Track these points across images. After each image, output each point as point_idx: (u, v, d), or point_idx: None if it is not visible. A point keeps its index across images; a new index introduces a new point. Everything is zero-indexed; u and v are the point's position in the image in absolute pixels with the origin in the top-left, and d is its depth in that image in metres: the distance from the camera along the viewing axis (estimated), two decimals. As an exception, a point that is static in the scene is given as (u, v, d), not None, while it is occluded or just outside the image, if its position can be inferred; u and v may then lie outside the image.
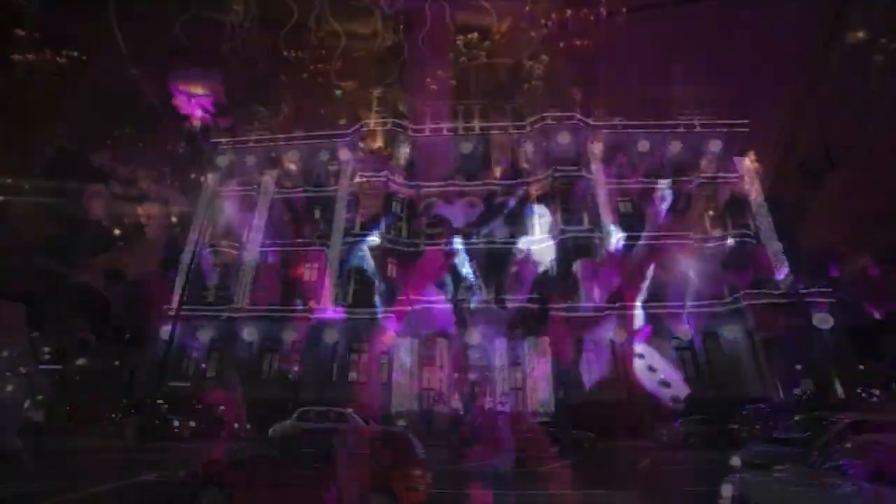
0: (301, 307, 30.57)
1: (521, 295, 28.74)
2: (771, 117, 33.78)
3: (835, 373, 24.09)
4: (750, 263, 29.88)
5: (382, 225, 32.29)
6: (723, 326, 27.99)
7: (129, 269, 40.35)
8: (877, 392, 22.60)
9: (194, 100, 30.87)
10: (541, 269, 30.91)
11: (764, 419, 17.15)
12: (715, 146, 34.58)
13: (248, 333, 29.88)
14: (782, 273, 28.84)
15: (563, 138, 34.29)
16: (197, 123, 32.69)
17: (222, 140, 38.59)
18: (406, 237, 33.11)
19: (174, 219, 36.89)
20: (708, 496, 6.50)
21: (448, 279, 29.95)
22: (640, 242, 30.45)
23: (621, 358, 27.48)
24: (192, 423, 21.64)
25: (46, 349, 35.17)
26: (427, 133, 37.35)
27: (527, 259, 31.30)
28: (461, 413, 25.13)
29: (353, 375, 29.01)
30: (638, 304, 28.30)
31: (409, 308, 27.40)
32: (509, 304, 27.47)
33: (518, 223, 33.47)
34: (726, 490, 5.38)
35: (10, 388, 36.76)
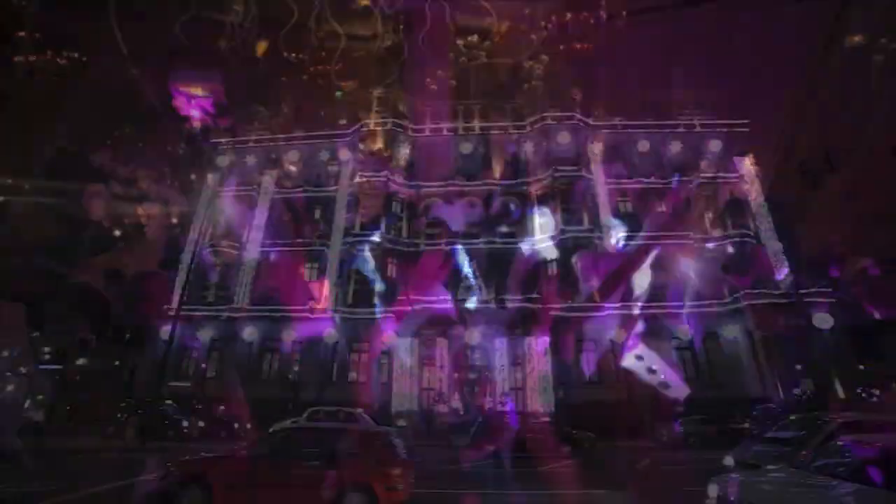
0: (301, 307, 30.56)
1: (520, 295, 28.74)
2: (771, 119, 33.84)
3: (835, 373, 24.06)
4: (750, 263, 29.88)
5: (382, 225, 32.31)
6: (723, 326, 28.00)
7: (129, 269, 40.39)
8: (877, 392, 22.58)
9: (194, 100, 30.88)
10: (541, 268, 30.94)
11: (773, 419, 17.13)
12: (715, 146, 34.61)
13: (248, 333, 29.89)
14: (782, 273, 28.85)
15: (563, 138, 34.31)
16: (197, 124, 32.70)
17: (222, 140, 38.64)
18: (406, 237, 33.11)
19: (174, 219, 36.92)
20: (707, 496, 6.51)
21: (448, 279, 29.94)
22: (640, 242, 30.46)
23: (621, 358, 27.48)
24: (201, 424, 21.60)
25: (46, 349, 35.18)
26: (427, 133, 37.37)
27: (527, 259, 31.31)
28: (461, 413, 25.14)
29: (353, 375, 29.03)
30: (638, 304, 28.30)
31: (409, 308, 27.40)
32: (509, 304, 27.46)
33: (518, 223, 33.51)
34: (712, 490, 5.31)
35: (10, 387, 36.79)
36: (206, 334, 30.64)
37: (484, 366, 28.38)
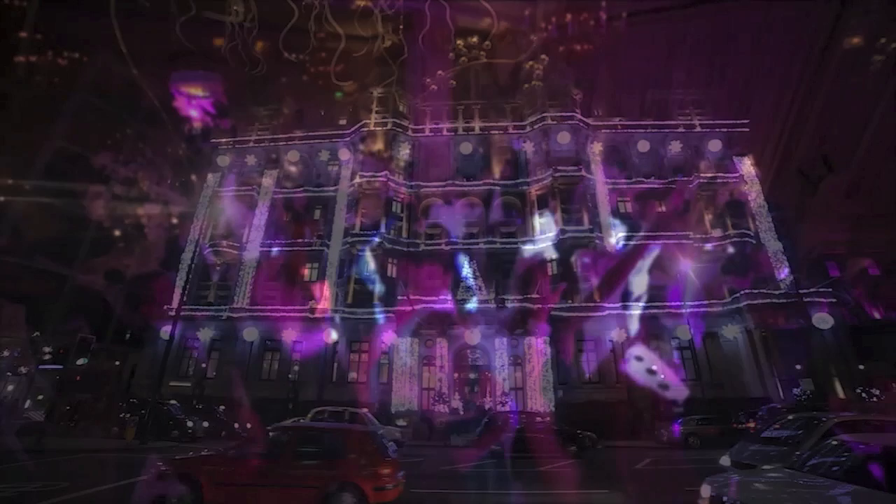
0: (301, 307, 30.59)
1: (520, 295, 28.75)
2: (771, 119, 33.80)
3: (835, 373, 24.09)
4: (749, 263, 29.90)
5: (382, 225, 32.33)
6: (723, 326, 28.02)
7: (129, 270, 40.40)
8: (877, 392, 22.57)
9: (194, 101, 30.87)
10: (541, 268, 30.95)
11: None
12: (715, 147, 34.70)
13: (249, 333, 29.91)
14: (782, 273, 28.86)
15: (563, 138, 34.34)
16: (197, 124, 32.70)
17: (222, 140, 38.66)
18: (406, 237, 33.12)
19: (174, 219, 36.92)
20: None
21: (448, 279, 29.95)
22: (640, 242, 30.48)
23: (621, 358, 27.50)
24: (206, 424, 21.57)
25: (47, 349, 35.18)
26: (427, 133, 37.41)
27: (527, 259, 31.33)
28: (461, 412, 25.14)
29: (353, 375, 29.06)
30: (638, 304, 28.32)
31: (409, 308, 27.41)
32: (509, 304, 27.47)
33: (518, 223, 33.54)
34: (705, 490, 5.27)
35: (10, 387, 36.81)
36: (206, 334, 30.68)
37: (484, 366, 28.39)
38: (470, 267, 29.30)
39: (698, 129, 35.46)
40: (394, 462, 7.66)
